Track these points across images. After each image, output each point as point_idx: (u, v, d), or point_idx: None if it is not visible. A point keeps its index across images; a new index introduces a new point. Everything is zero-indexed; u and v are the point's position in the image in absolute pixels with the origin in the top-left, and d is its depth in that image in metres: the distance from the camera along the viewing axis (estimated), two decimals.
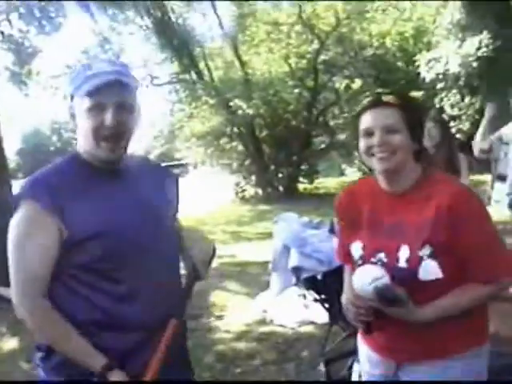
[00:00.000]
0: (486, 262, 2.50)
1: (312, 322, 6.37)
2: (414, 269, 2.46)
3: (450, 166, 5.59)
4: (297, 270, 4.62)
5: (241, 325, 6.85)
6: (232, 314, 7.29)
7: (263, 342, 6.30)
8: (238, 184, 23.69)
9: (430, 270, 2.45)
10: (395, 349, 2.65)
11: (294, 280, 4.68)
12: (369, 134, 2.53)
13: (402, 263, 2.49)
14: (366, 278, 2.47)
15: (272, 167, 23.52)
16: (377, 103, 2.56)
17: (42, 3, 17.86)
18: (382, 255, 2.56)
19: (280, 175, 23.21)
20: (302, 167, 23.83)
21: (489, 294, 2.56)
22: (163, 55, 24.50)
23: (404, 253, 2.49)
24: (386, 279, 2.44)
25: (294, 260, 4.57)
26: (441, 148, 5.59)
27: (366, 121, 2.54)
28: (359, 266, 2.63)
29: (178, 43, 23.01)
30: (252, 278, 8.98)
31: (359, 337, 2.91)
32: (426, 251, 2.45)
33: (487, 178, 17.86)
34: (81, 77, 2.35)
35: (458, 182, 2.81)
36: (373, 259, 2.58)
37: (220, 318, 7.31)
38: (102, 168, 2.42)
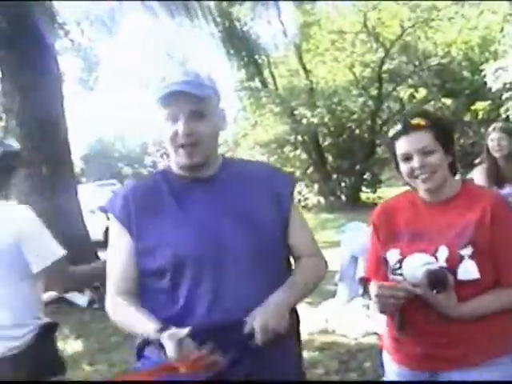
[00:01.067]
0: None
1: (375, 333, 6.36)
2: (454, 268, 2.52)
3: (501, 176, 5.55)
4: (364, 280, 4.65)
5: (303, 334, 6.78)
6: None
7: (325, 351, 6.29)
8: (300, 192, 23.62)
9: (469, 269, 2.52)
10: (429, 357, 2.65)
11: (360, 290, 4.71)
12: (407, 158, 2.63)
13: (442, 262, 2.54)
14: (417, 262, 2.52)
15: (335, 176, 23.48)
16: (408, 128, 2.63)
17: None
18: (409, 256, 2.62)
19: (343, 184, 23.13)
20: (365, 176, 23.75)
21: None
22: (229, 64, 24.68)
23: (443, 253, 2.55)
24: (436, 265, 2.49)
25: (361, 270, 4.59)
26: (511, 160, 5.54)
27: (403, 146, 2.64)
28: (395, 270, 2.68)
29: (244, 51, 23.11)
30: (319, 287, 8.93)
31: (385, 355, 2.95)
32: (467, 251, 2.53)
33: None
34: (157, 88, 2.44)
35: (487, 190, 3.08)
36: None
37: None
38: (188, 176, 2.50)
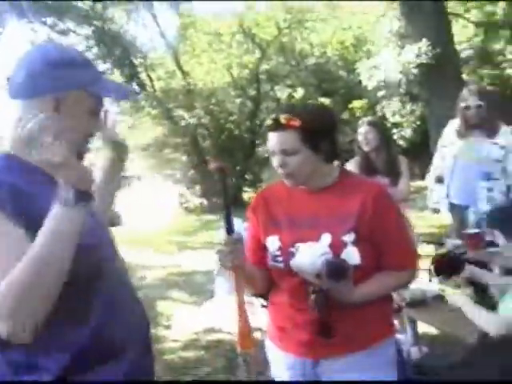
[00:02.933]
0: (399, 252, 2.73)
1: (260, 329, 6.34)
2: (337, 254, 2.57)
3: (390, 169, 5.67)
4: None
5: (189, 333, 6.80)
6: (179, 323, 7.22)
7: (211, 350, 6.32)
8: (182, 195, 23.51)
9: (351, 255, 2.58)
10: (314, 344, 2.68)
11: None
12: (272, 153, 2.69)
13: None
14: (314, 253, 2.53)
15: (216, 177, 23.13)
16: (275, 125, 2.62)
17: None
18: (301, 244, 2.63)
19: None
20: (246, 176, 23.78)
21: (402, 281, 2.84)
22: (105, 66, 24.26)
23: (326, 240, 2.60)
24: (331, 255, 2.55)
25: None
26: (380, 152, 5.69)
27: (269, 142, 2.68)
28: (275, 257, 2.72)
29: (119, 54, 22.80)
30: (198, 286, 8.96)
31: (268, 343, 2.98)
32: (350, 238, 2.59)
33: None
34: None
35: (372, 181, 3.09)
36: (292, 249, 2.65)
37: (167, 327, 7.24)
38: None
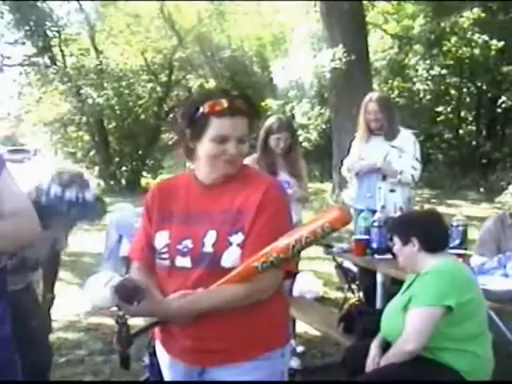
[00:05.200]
0: (254, 252, 2.40)
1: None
2: (219, 253, 2.42)
3: (294, 172, 5.64)
4: (127, 260, 4.51)
5: (70, 315, 6.70)
6: (62, 303, 7.03)
7: (91, 332, 6.27)
8: None
9: (233, 257, 2.41)
10: (200, 351, 2.50)
11: (123, 270, 4.57)
12: (222, 141, 2.45)
13: (208, 248, 2.44)
14: (97, 286, 2.32)
15: (116, 159, 23.22)
16: (232, 111, 2.43)
17: None
18: (188, 242, 2.49)
19: (124, 168, 22.93)
20: (147, 162, 23.59)
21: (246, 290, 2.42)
22: (17, 35, 23.65)
23: (210, 238, 2.45)
24: (117, 277, 2.34)
25: (125, 249, 4.46)
26: (289, 152, 5.61)
27: (221, 127, 2.44)
28: (161, 254, 2.55)
29: (33, 24, 22.22)
30: (85, 268, 8.74)
31: (158, 345, 2.77)
32: (237, 238, 2.43)
33: (328, 186, 18.49)
34: None
35: (268, 176, 2.81)
36: (178, 246, 2.50)
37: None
38: None
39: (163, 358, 2.73)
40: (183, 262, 2.50)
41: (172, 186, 2.70)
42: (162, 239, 2.57)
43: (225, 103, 2.42)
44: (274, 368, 2.56)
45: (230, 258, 2.42)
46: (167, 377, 2.74)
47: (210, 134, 2.45)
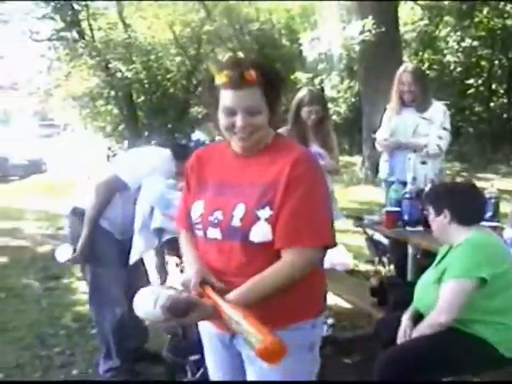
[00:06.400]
0: (291, 228, 2.39)
1: (172, 287, 6.28)
2: (247, 228, 2.40)
3: (325, 144, 5.63)
4: (159, 232, 4.50)
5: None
6: None
7: None
8: (110, 148, 23.09)
9: (262, 232, 2.39)
10: None
11: (156, 242, 4.55)
12: (231, 113, 2.42)
13: (236, 221, 2.42)
14: (146, 305, 2.31)
15: (146, 133, 23.02)
16: (239, 81, 2.37)
17: None
18: (218, 213, 2.48)
19: (153, 142, 22.90)
20: (177, 135, 23.53)
21: (302, 263, 2.43)
22: (45, 10, 23.65)
23: (239, 211, 2.43)
24: (164, 293, 2.30)
25: (157, 221, 4.44)
26: (320, 124, 5.60)
27: (228, 99, 2.41)
28: (196, 225, 2.57)
29: None
30: None
31: None
32: (264, 213, 2.40)
33: (357, 159, 18.41)
34: None
35: (300, 147, 2.65)
36: (210, 217, 2.50)
37: (80, 278, 7.15)
38: None
39: (202, 326, 2.77)
40: (214, 233, 2.50)
41: (210, 155, 2.71)
42: (197, 209, 2.58)
43: (228, 75, 2.38)
44: (303, 338, 2.57)
45: (259, 233, 2.40)
46: (205, 342, 2.82)
47: (221, 106, 2.44)
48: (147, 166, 4.58)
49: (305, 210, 2.40)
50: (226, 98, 2.40)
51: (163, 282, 4.88)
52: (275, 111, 2.50)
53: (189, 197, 2.69)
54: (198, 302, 2.31)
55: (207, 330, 2.75)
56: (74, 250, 4.47)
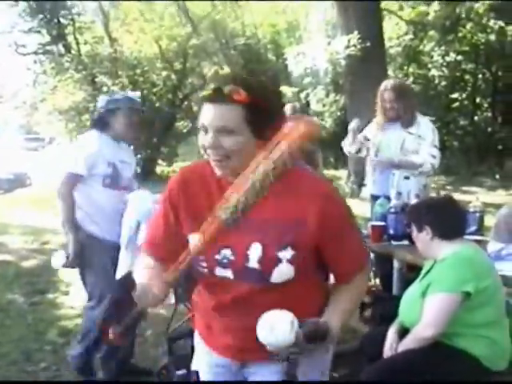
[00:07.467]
0: (346, 262, 2.33)
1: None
2: (268, 271, 2.18)
3: (310, 160, 5.65)
4: None
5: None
6: (79, 290, 7.10)
7: None
8: None
9: (285, 272, 2.19)
10: (242, 349, 2.36)
11: None
12: (205, 130, 2.15)
13: (253, 263, 2.18)
14: (284, 333, 2.05)
15: (132, 147, 22.82)
16: (215, 97, 2.10)
17: None
18: (227, 252, 2.22)
19: (139, 156, 22.88)
20: (162, 149, 23.51)
21: (363, 285, 2.50)
22: (31, 24, 23.69)
23: (255, 252, 2.17)
24: (295, 319, 2.08)
25: (143, 236, 4.44)
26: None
27: (203, 115, 2.15)
28: (199, 262, 2.27)
29: (47, 12, 22.30)
30: None
31: (197, 336, 2.61)
32: (286, 254, 2.16)
33: (343, 173, 18.44)
34: None
35: (322, 178, 2.47)
36: (217, 256, 2.23)
37: (66, 293, 7.15)
38: None
39: (201, 348, 2.59)
40: (224, 272, 2.26)
41: (198, 177, 2.36)
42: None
43: (207, 90, 2.14)
44: (314, 364, 2.43)
45: (282, 275, 2.20)
46: (203, 365, 2.58)
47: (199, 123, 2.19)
48: (88, 148, 4.63)
49: (349, 242, 2.32)
50: (203, 112, 2.15)
51: None
52: (262, 136, 2.15)
53: (169, 225, 2.37)
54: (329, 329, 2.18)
55: (207, 359, 2.56)
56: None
